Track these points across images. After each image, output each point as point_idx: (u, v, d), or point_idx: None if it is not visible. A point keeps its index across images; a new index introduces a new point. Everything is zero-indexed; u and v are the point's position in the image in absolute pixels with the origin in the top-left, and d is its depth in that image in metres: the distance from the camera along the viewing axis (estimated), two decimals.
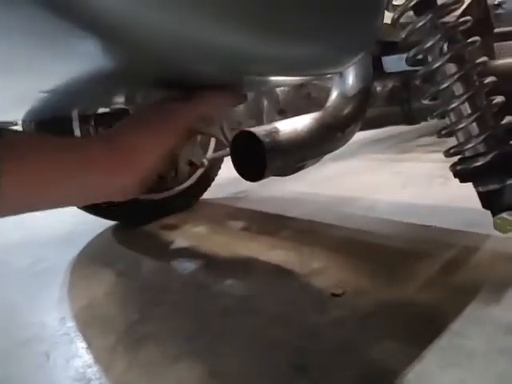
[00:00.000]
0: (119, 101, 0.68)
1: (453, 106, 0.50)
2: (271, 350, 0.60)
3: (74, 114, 1.15)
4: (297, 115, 0.59)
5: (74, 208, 1.28)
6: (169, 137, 0.44)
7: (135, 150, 0.42)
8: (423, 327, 0.59)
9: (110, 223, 1.38)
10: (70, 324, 0.77)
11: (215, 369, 0.58)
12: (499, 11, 0.73)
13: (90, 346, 0.69)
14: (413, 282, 0.71)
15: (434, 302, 0.64)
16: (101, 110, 1.18)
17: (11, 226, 1.62)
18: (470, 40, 0.49)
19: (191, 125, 0.45)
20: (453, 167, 0.54)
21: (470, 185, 0.55)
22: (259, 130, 0.48)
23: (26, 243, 1.34)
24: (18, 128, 1.26)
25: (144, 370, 0.60)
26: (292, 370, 0.55)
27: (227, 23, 0.29)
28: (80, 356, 0.66)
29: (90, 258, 1.11)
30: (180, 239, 1.17)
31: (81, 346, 0.69)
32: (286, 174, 0.81)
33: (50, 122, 1.12)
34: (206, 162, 1.31)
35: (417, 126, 0.79)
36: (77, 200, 0.49)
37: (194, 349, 0.63)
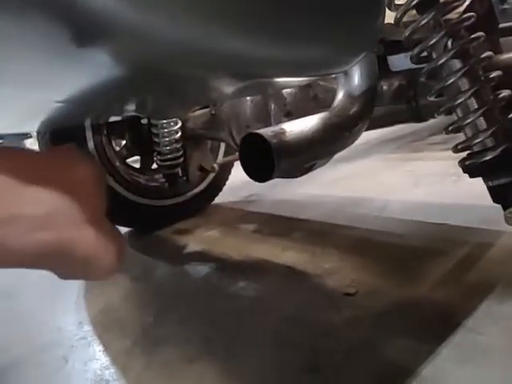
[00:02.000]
0: (131, 109, 0.70)
1: (459, 101, 0.50)
2: (285, 350, 0.60)
3: (87, 123, 1.18)
4: (304, 117, 0.60)
5: None
6: None
7: None
8: (437, 325, 0.58)
9: (124, 230, 1.40)
10: (87, 328, 0.79)
11: (230, 369, 0.59)
12: (504, 6, 0.73)
13: (107, 349, 0.70)
14: (426, 281, 0.71)
15: (448, 299, 0.64)
16: (112, 119, 1.21)
17: None
18: (473, 36, 0.49)
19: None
20: (462, 162, 0.54)
21: (482, 182, 0.55)
22: (266, 132, 0.49)
23: None
24: (33, 140, 1.29)
25: (161, 371, 0.61)
26: (306, 370, 0.55)
27: (232, 28, 0.30)
28: (98, 359, 0.68)
29: None
30: (193, 243, 1.19)
31: (98, 349, 0.71)
32: (295, 176, 0.82)
33: (64, 132, 1.15)
34: (216, 166, 1.32)
35: (428, 124, 0.79)
36: None
37: (209, 350, 0.64)
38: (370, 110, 0.63)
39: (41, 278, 1.11)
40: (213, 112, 1.01)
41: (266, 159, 0.49)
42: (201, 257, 1.07)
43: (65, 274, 0.33)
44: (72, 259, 0.30)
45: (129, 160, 1.39)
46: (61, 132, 1.16)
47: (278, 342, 0.63)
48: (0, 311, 0.95)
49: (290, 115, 0.75)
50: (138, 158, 1.42)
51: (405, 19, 0.51)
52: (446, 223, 0.94)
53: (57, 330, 0.80)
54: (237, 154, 1.17)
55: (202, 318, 0.75)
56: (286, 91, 0.75)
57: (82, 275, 0.35)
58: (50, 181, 0.29)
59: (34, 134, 1.28)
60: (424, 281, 0.71)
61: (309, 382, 0.53)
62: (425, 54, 0.52)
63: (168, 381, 0.58)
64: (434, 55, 0.51)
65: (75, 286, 0.99)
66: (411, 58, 0.54)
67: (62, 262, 0.31)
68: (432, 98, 0.54)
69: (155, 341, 0.69)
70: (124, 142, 1.37)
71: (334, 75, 0.61)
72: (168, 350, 0.66)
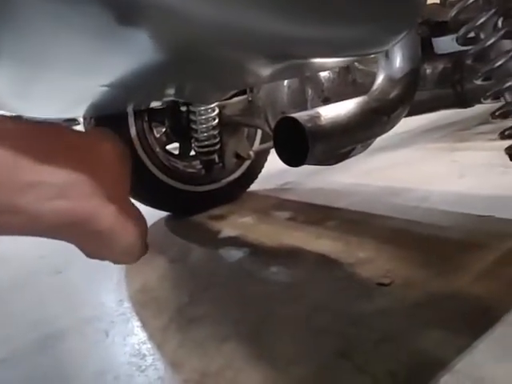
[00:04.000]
0: (170, 93, 0.71)
1: (508, 84, 0.47)
2: (316, 336, 0.60)
3: (130, 109, 1.22)
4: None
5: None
6: None
7: None
8: (475, 318, 0.56)
9: (163, 214, 1.45)
10: (127, 305, 0.83)
11: (261, 351, 0.60)
12: None
13: (144, 325, 0.74)
14: (466, 274, 0.68)
15: (488, 293, 0.61)
16: (153, 106, 1.24)
17: None
18: None
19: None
20: (509, 150, 0.51)
21: None
22: (302, 115, 0.49)
23: None
24: (81, 127, 1.36)
25: (194, 348, 0.63)
26: (336, 356, 0.55)
27: (269, 6, 0.30)
28: (136, 334, 0.71)
29: None
30: (227, 229, 1.21)
31: (136, 324, 0.74)
32: (331, 163, 0.81)
33: (107, 118, 1.20)
34: (252, 154, 1.33)
35: (475, 112, 0.75)
36: None
37: (241, 331, 0.65)
38: (411, 94, 0.60)
39: (85, 257, 1.17)
40: (250, 99, 1.02)
41: (300, 143, 0.48)
42: (235, 242, 1.09)
43: (88, 250, 0.35)
44: (90, 232, 0.32)
45: (168, 147, 1.42)
46: (105, 118, 1.21)
47: (308, 327, 0.63)
48: (48, 285, 1.02)
49: (328, 101, 0.74)
50: (177, 144, 1.45)
51: None
52: (491, 216, 0.90)
53: (99, 306, 0.85)
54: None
55: (235, 300, 0.76)
56: (323, 76, 0.74)
57: (105, 253, 0.36)
58: (74, 155, 0.31)
59: (81, 120, 1.34)
60: (463, 274, 0.68)
61: (338, 368, 0.53)
62: (472, 34, 0.49)
63: (200, 358, 0.60)
64: (482, 36, 0.48)
65: (116, 266, 1.04)
66: (457, 40, 0.51)
67: (80, 235, 0.32)
68: (479, 82, 0.52)
69: (189, 319, 0.72)
70: (164, 129, 1.40)
71: (373, 56, 0.59)
72: (201, 329, 0.68)
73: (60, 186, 0.29)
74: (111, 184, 0.33)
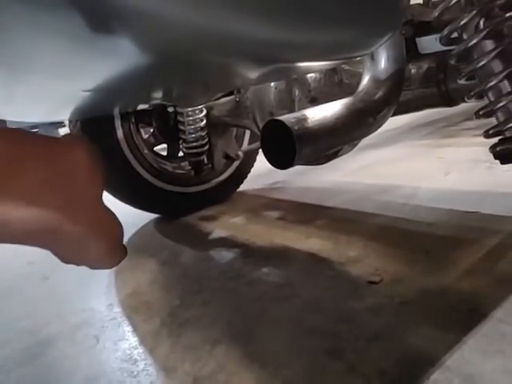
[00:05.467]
0: (157, 96, 0.71)
1: (491, 84, 0.48)
2: (307, 335, 0.61)
3: (116, 112, 1.20)
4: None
5: (120, 203, 1.36)
6: None
7: None
8: (464, 315, 0.57)
9: (152, 216, 1.44)
10: (117, 310, 0.82)
11: (253, 353, 0.60)
12: None
13: (135, 330, 0.73)
14: (454, 270, 0.69)
15: (476, 289, 0.62)
16: (140, 108, 1.23)
17: None
18: (508, 14, 0.47)
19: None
20: (493, 148, 0.52)
21: None
22: (288, 118, 0.49)
23: None
24: (67, 129, 1.34)
25: (186, 352, 0.63)
26: (328, 356, 0.55)
27: (255, 10, 0.30)
28: (127, 339, 0.70)
29: (135, 248, 1.17)
30: (218, 230, 1.21)
31: (127, 329, 0.74)
32: (319, 163, 0.81)
33: (93, 120, 1.19)
34: (241, 154, 1.33)
35: (460, 109, 0.76)
36: None
37: (233, 333, 0.65)
38: (396, 95, 0.61)
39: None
40: (237, 99, 1.01)
41: (287, 146, 0.48)
42: (225, 243, 1.09)
43: (62, 256, 0.34)
44: (62, 239, 0.31)
45: (157, 148, 1.41)
46: (91, 121, 1.19)
47: (299, 327, 0.63)
48: (37, 291, 1.01)
49: (315, 101, 0.74)
50: (165, 146, 1.44)
51: None
52: (477, 212, 0.91)
53: (89, 311, 0.84)
54: None
55: (226, 302, 0.76)
56: (310, 77, 0.74)
57: (80, 258, 0.36)
58: (44, 162, 0.30)
59: (67, 122, 1.32)
60: (451, 270, 0.69)
61: (330, 366, 0.53)
62: (455, 35, 0.50)
63: (193, 362, 0.60)
64: (465, 36, 0.49)
65: (106, 270, 1.03)
66: (441, 40, 0.51)
67: (53, 241, 0.32)
68: (462, 81, 0.52)
69: (181, 323, 0.71)
70: (151, 130, 1.39)
71: (359, 58, 0.59)
72: (193, 332, 0.68)
73: (29, 194, 0.29)
74: (83, 189, 0.32)
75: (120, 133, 1.25)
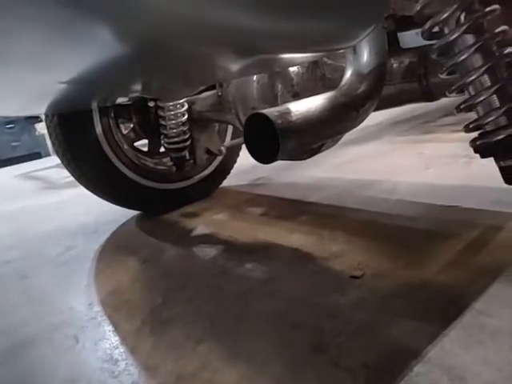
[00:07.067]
0: (136, 89, 0.69)
1: (471, 78, 0.48)
2: (291, 331, 0.60)
3: (94, 106, 1.17)
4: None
5: (101, 200, 1.33)
6: None
7: None
8: (445, 307, 0.58)
9: (134, 213, 1.41)
10: (98, 309, 0.80)
11: (237, 350, 0.59)
12: None
13: (116, 329, 0.71)
14: (435, 263, 0.70)
15: (456, 282, 0.63)
16: (119, 102, 1.20)
17: (42, 217, 1.69)
18: (488, 9, 0.47)
19: None
20: (473, 142, 0.52)
21: (494, 164, 0.53)
22: (272, 112, 0.48)
23: (56, 234, 1.39)
24: (44, 124, 1.30)
25: (168, 350, 0.62)
26: (312, 351, 0.55)
27: (240, 1, 0.29)
28: (107, 338, 0.69)
29: (116, 246, 1.14)
30: (200, 226, 1.19)
31: (108, 329, 0.72)
32: (302, 158, 0.81)
33: (71, 115, 1.16)
34: (223, 149, 1.32)
35: (440, 105, 0.77)
36: None
37: (216, 331, 0.65)
38: (379, 89, 0.61)
39: (53, 261, 1.13)
40: (219, 93, 1.00)
41: (271, 140, 0.48)
42: (208, 239, 1.08)
43: None
44: None
45: (137, 144, 1.39)
46: (68, 115, 1.16)
47: (283, 323, 0.63)
48: (14, 291, 0.97)
49: (298, 95, 0.74)
50: (145, 141, 1.42)
51: None
52: (457, 205, 0.93)
53: (68, 311, 0.82)
54: None
55: (210, 298, 0.75)
56: (293, 71, 0.73)
57: None
58: None
59: (43, 117, 1.28)
60: (432, 263, 0.70)
61: (314, 362, 0.53)
62: (436, 29, 0.50)
63: (176, 360, 0.59)
64: (446, 30, 0.49)
65: (86, 269, 1.01)
66: (422, 34, 0.52)
67: None
68: (443, 76, 0.53)
69: (163, 321, 0.70)
70: (131, 126, 1.36)
71: (342, 51, 0.59)
72: (176, 330, 0.67)
73: None
74: None
75: (99, 128, 1.22)
